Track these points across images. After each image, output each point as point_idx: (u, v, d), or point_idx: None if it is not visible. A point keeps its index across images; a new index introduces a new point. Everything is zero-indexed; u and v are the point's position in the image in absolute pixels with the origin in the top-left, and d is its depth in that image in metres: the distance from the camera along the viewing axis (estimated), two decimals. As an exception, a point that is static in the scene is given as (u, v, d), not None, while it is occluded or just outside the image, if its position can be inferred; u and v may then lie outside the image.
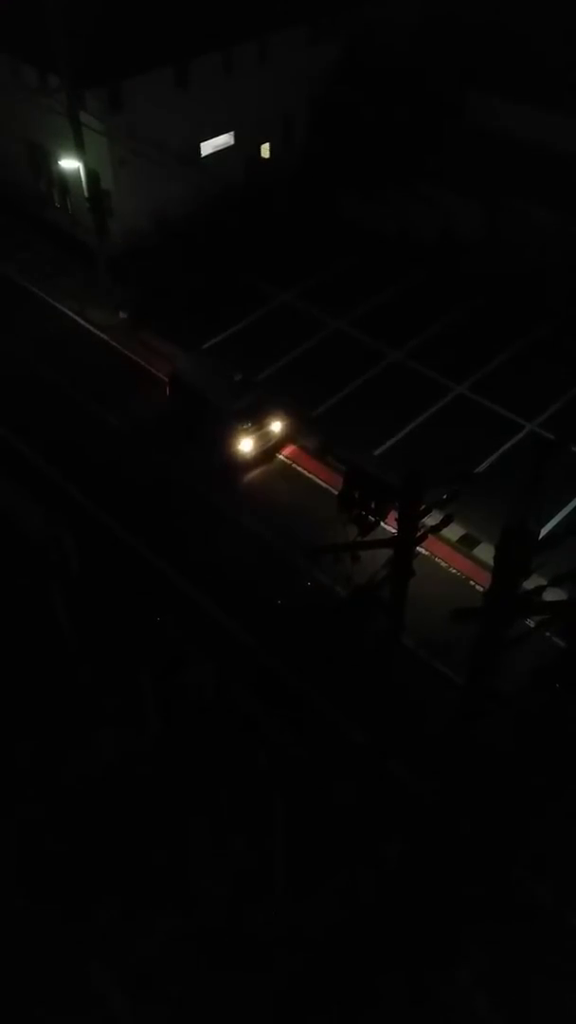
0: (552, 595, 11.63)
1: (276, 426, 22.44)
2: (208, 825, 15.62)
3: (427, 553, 19.61)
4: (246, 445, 22.00)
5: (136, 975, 13.96)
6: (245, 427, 21.93)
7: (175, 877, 15.05)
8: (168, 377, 23.69)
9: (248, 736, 16.38)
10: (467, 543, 20.34)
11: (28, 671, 17.74)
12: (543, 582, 10.90)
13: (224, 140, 30.70)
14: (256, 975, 13.96)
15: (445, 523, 11.88)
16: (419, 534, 11.19)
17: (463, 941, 14.34)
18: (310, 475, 22.37)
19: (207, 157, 30.24)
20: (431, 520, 11.39)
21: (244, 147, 31.42)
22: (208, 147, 30.24)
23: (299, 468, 22.62)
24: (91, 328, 27.38)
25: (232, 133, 30.74)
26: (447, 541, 20.17)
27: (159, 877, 15.04)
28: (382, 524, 11.33)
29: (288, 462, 22.82)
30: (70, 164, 26.32)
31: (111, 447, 23.31)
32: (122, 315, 27.47)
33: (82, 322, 27.61)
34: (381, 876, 15.00)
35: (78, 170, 26.32)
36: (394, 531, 11.16)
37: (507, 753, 15.69)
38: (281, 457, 22.88)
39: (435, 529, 11.65)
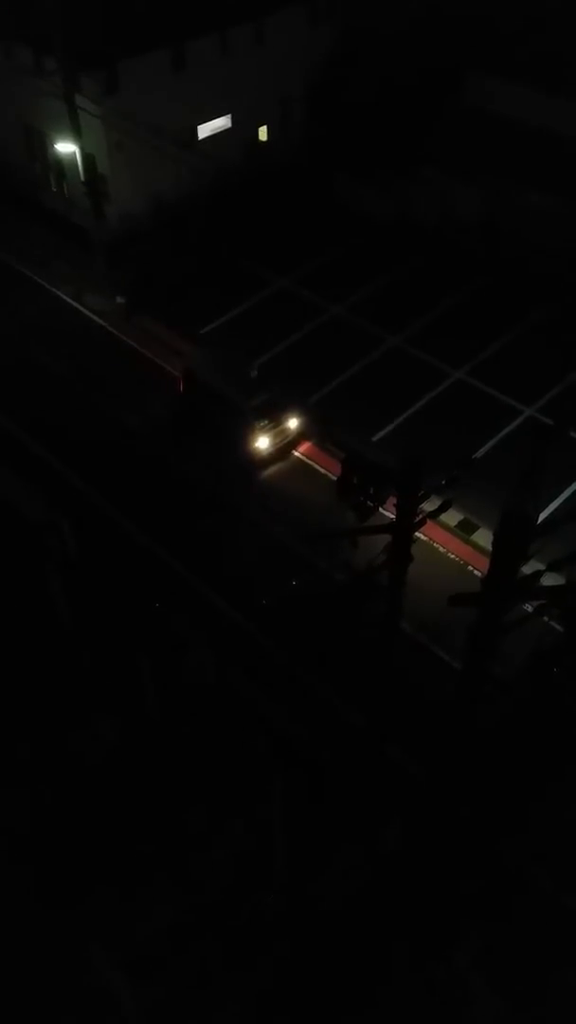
0: (550, 580, 11.65)
1: (293, 423, 22.23)
2: (207, 809, 15.69)
3: (425, 538, 19.61)
4: (263, 442, 21.83)
5: (137, 957, 14.06)
6: (262, 424, 21.77)
7: (175, 861, 15.13)
8: (182, 372, 23.42)
9: (248, 720, 16.43)
10: (466, 528, 20.35)
11: (26, 656, 17.77)
12: (541, 567, 10.92)
13: (221, 123, 30.49)
14: (257, 958, 14.07)
15: (443, 508, 11.87)
16: (417, 519, 11.18)
17: (460, 922, 14.45)
18: (325, 472, 22.10)
19: (204, 140, 30.03)
20: (429, 505, 11.39)
21: (242, 130, 31.21)
22: (205, 130, 30.03)
23: (315, 465, 22.39)
24: (88, 313, 27.26)
25: (229, 116, 30.52)
26: (446, 526, 20.17)
27: (159, 860, 15.12)
28: (381, 510, 11.33)
29: (304, 459, 22.60)
30: (66, 148, 26.14)
31: (106, 432, 23.24)
32: (119, 300, 27.34)
33: (79, 307, 27.49)
34: (380, 860, 15.10)
35: (74, 154, 26.14)
36: (393, 516, 11.15)
37: (505, 737, 15.76)
38: (297, 454, 22.71)
39: (433, 514, 11.64)
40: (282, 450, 22.39)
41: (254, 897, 14.66)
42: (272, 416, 21.89)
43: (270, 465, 22.29)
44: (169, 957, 14.08)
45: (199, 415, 22.93)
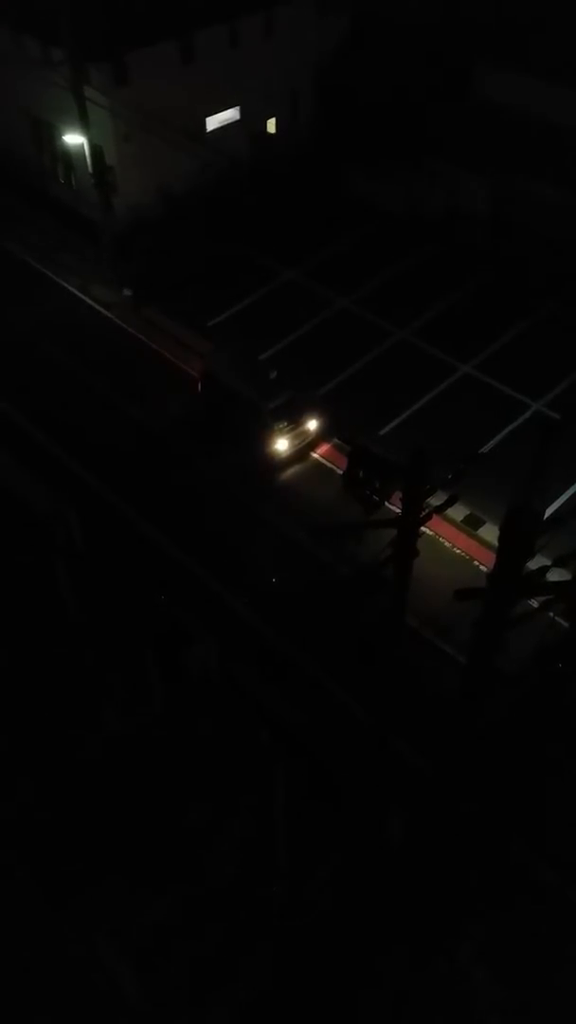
0: (556, 575, 11.65)
1: (312, 424, 22.12)
2: (211, 801, 15.75)
3: (431, 533, 19.61)
4: (281, 444, 21.71)
5: (141, 947, 14.15)
6: (281, 426, 21.68)
7: (178, 852, 15.19)
8: (200, 373, 23.32)
9: (251, 713, 16.48)
10: (471, 523, 20.33)
11: (32, 648, 17.84)
12: (547, 562, 10.93)
13: (230, 115, 30.38)
14: (260, 949, 14.13)
15: (449, 503, 11.89)
16: (423, 514, 11.19)
17: (463, 916, 14.49)
18: (343, 473, 21.92)
19: (212, 132, 29.95)
20: (435, 500, 11.40)
21: (250, 122, 31.10)
22: (213, 122, 29.93)
23: (332, 466, 22.11)
24: (95, 305, 27.26)
25: (238, 108, 30.41)
26: (451, 521, 20.15)
27: (162, 852, 15.19)
28: (386, 504, 11.33)
29: (322, 460, 22.40)
30: (74, 139, 26.11)
31: (112, 424, 23.26)
32: (126, 292, 27.33)
33: (86, 299, 27.48)
34: (383, 853, 15.14)
35: (82, 145, 26.10)
36: (398, 511, 11.16)
37: (509, 731, 15.78)
38: (315, 455, 22.52)
39: (439, 509, 11.66)
40: (300, 452, 22.30)
41: (257, 888, 14.73)
42: (290, 418, 21.82)
43: (288, 467, 22.18)
44: (173, 948, 14.16)
45: (218, 416, 22.92)
